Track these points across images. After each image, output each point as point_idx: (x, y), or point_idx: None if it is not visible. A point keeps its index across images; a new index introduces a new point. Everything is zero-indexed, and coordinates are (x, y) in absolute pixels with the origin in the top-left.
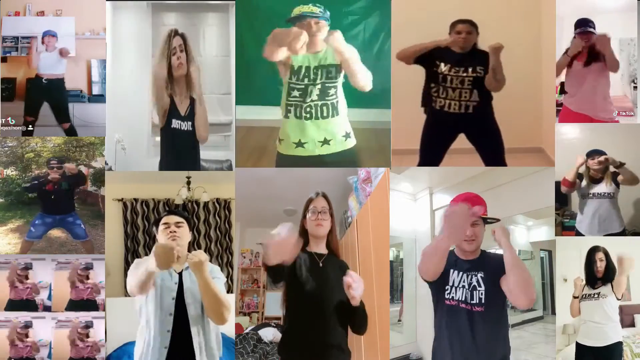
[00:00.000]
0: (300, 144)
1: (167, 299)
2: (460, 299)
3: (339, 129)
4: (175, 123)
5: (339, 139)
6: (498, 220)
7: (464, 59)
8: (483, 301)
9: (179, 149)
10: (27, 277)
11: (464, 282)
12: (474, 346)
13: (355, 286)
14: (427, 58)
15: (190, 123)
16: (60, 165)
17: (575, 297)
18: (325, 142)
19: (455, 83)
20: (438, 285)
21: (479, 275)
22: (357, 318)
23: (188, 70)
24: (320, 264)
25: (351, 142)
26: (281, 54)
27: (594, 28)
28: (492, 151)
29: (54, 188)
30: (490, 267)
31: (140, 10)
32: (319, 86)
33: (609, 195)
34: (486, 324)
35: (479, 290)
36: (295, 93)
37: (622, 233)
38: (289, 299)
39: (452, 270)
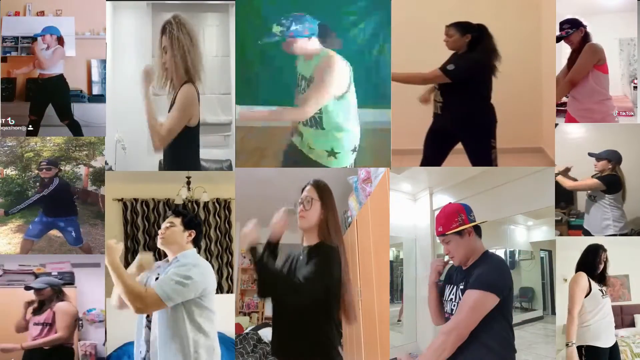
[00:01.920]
0: (299, 134)
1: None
2: (451, 312)
3: (323, 143)
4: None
5: (321, 153)
6: (484, 222)
7: (448, 60)
8: None
9: (174, 147)
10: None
11: (453, 294)
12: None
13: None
14: None
15: None
16: (49, 167)
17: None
18: (310, 149)
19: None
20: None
21: (461, 287)
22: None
23: (176, 69)
24: (301, 258)
25: (334, 163)
26: None
27: (572, 27)
28: (476, 152)
29: (49, 192)
30: (470, 277)
31: (140, 10)
32: (302, 95)
33: (591, 197)
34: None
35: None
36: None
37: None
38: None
39: (447, 286)
